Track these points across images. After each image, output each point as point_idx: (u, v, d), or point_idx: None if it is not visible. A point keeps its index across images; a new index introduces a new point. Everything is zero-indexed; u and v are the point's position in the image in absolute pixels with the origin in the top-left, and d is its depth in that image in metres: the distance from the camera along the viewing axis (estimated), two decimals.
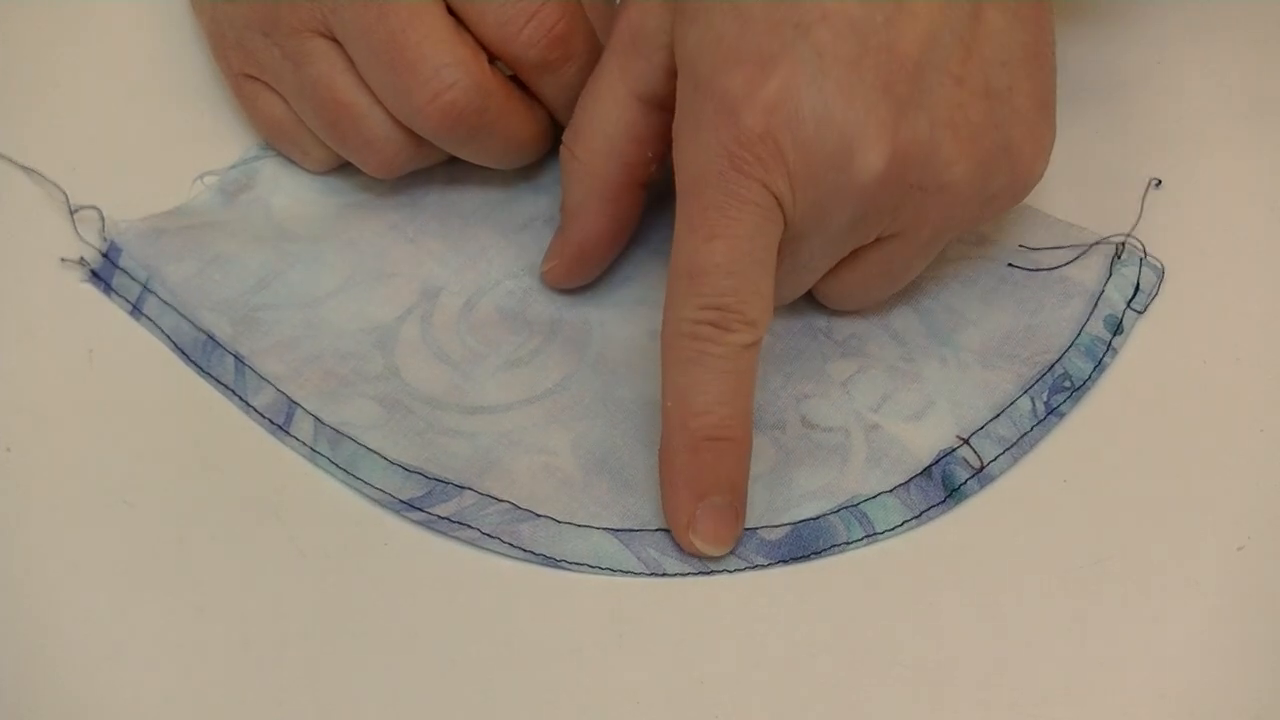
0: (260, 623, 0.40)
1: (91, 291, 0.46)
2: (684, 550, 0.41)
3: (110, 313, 0.45)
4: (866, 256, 0.42)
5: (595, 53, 0.44)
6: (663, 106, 0.42)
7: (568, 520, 0.42)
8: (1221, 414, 0.44)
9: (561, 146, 0.44)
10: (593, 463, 0.43)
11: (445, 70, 0.42)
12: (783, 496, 0.42)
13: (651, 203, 0.47)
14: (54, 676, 0.39)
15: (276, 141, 0.48)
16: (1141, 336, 0.46)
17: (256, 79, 0.46)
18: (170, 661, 0.39)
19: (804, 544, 0.42)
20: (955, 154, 0.39)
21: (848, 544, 0.42)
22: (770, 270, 0.40)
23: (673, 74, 0.41)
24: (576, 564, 0.41)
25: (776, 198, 0.39)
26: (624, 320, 0.46)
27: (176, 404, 0.44)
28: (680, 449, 0.40)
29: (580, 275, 0.46)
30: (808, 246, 0.41)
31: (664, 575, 0.41)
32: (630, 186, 0.44)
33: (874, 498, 0.42)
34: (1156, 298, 0.46)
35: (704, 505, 0.40)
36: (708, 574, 0.41)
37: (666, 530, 0.41)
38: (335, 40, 0.44)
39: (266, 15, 0.44)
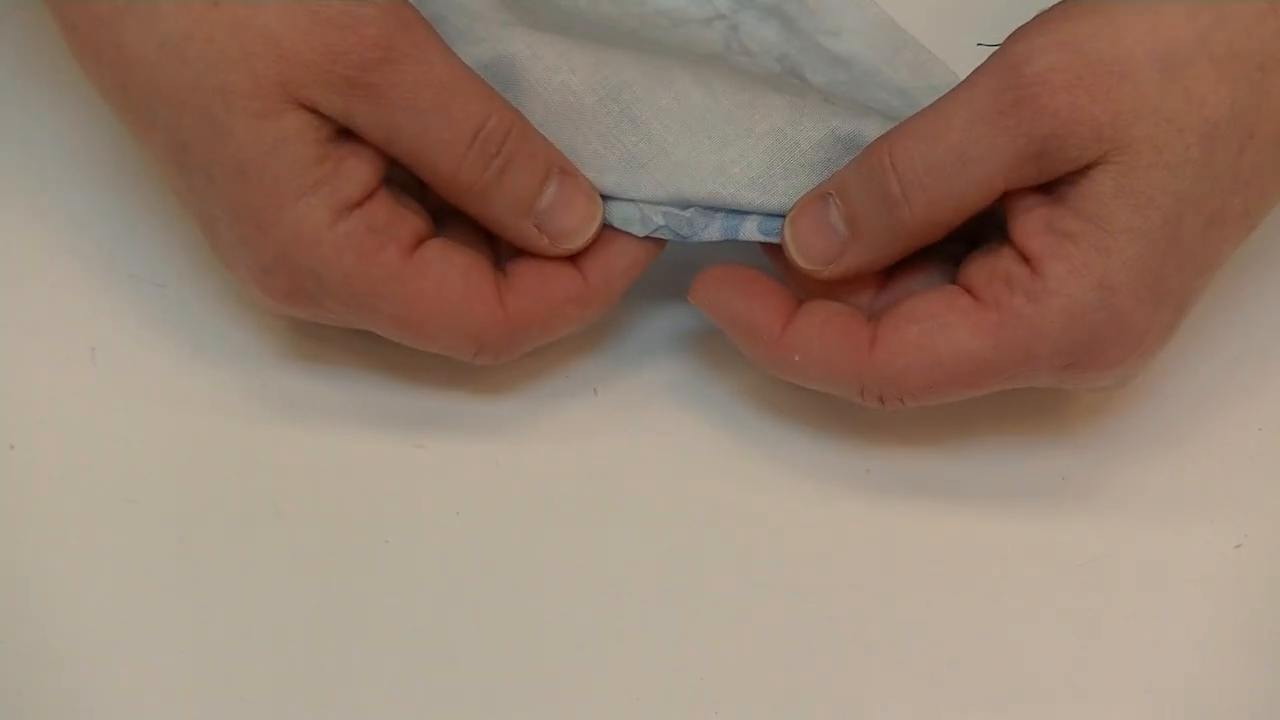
0: (261, 619, 0.40)
1: (93, 289, 0.46)
2: None
3: (112, 310, 0.45)
4: None
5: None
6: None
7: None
8: (1221, 414, 0.44)
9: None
10: (607, 92, 0.42)
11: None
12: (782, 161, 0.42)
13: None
14: (56, 673, 0.39)
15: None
16: None
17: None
18: (172, 658, 0.40)
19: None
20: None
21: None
22: None
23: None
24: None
25: None
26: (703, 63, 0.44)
27: (178, 402, 0.44)
28: None
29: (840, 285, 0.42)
30: None
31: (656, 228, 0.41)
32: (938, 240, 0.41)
33: None
34: None
35: None
36: (685, 239, 0.41)
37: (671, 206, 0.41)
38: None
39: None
